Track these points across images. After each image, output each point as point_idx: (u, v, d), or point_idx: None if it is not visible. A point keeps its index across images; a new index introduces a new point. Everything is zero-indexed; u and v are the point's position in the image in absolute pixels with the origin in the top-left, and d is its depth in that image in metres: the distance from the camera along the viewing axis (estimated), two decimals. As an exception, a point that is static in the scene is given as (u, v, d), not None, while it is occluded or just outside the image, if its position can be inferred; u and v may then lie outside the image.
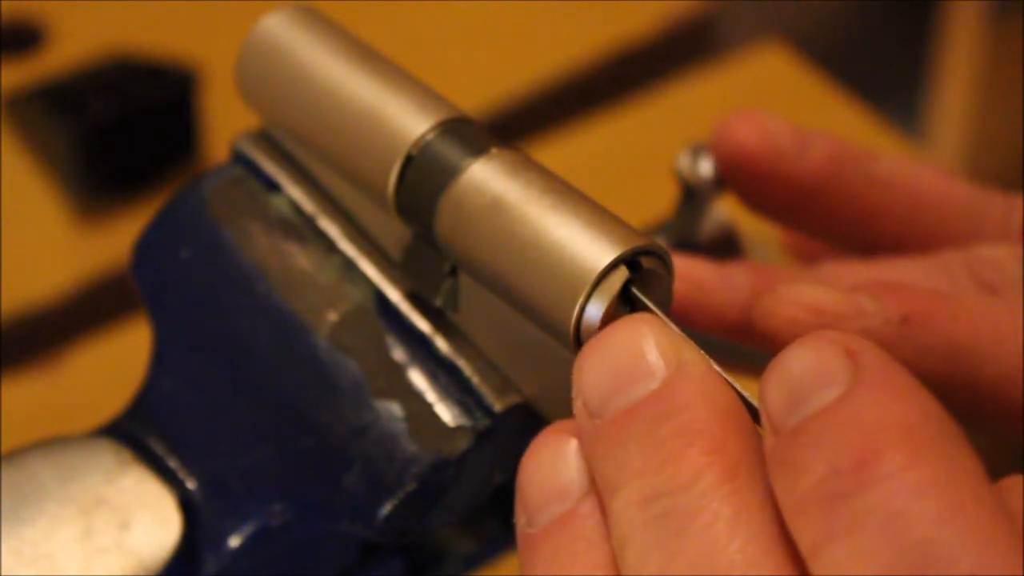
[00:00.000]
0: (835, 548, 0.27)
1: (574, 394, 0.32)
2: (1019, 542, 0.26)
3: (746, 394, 0.31)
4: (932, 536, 0.26)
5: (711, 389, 0.31)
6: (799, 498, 0.28)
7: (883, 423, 0.27)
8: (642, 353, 0.31)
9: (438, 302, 0.38)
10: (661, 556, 0.29)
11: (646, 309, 0.33)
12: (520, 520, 0.33)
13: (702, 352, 0.32)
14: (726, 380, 0.31)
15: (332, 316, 0.39)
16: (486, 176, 0.35)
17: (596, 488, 0.32)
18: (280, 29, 0.40)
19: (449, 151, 0.36)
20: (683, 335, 0.32)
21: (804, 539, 0.28)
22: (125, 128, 0.78)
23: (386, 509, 0.37)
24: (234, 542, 0.38)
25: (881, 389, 0.28)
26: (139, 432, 0.40)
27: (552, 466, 0.32)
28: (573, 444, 0.32)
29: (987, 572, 0.26)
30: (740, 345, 0.43)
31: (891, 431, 0.27)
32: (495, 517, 0.42)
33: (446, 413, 0.37)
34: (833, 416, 0.28)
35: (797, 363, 0.29)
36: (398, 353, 0.38)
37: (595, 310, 0.33)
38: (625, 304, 0.33)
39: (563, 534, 0.32)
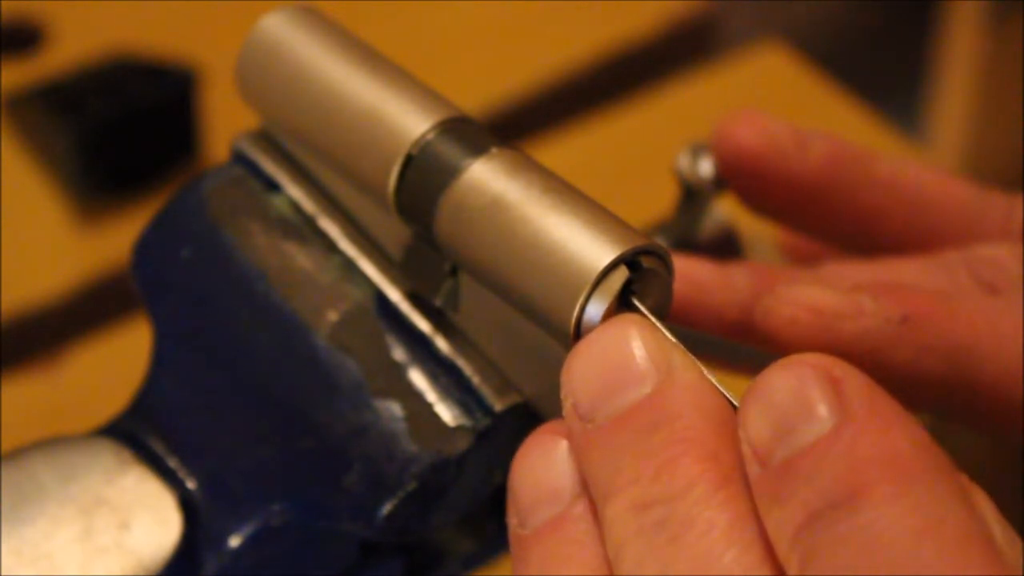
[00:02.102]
0: (817, 565, 0.27)
1: (563, 395, 0.32)
2: (994, 560, 0.27)
3: (737, 402, 0.31)
4: (911, 550, 0.27)
5: (702, 396, 0.31)
6: (793, 534, 0.28)
7: (873, 457, 0.28)
8: (632, 357, 0.31)
9: (438, 302, 0.38)
10: (657, 564, 0.29)
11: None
12: (512, 521, 0.33)
13: (692, 357, 0.32)
14: (716, 387, 0.31)
15: (332, 316, 0.39)
16: (486, 176, 0.35)
17: (588, 491, 0.32)
18: (280, 29, 0.40)
19: (449, 151, 0.36)
20: (672, 338, 0.32)
21: (793, 568, 0.28)
22: (125, 128, 0.78)
23: (386, 509, 0.37)
24: (234, 542, 0.38)
25: (869, 422, 0.28)
26: (139, 432, 0.40)
27: (543, 468, 0.32)
28: (564, 445, 0.32)
29: None
30: (740, 345, 0.43)
31: (881, 465, 0.28)
32: (495, 517, 0.42)
33: (446, 413, 0.37)
34: (824, 452, 0.28)
35: (780, 392, 0.29)
36: (398, 353, 0.38)
37: (595, 310, 0.33)
38: (625, 305, 0.33)
39: (555, 536, 0.32)
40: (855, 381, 0.29)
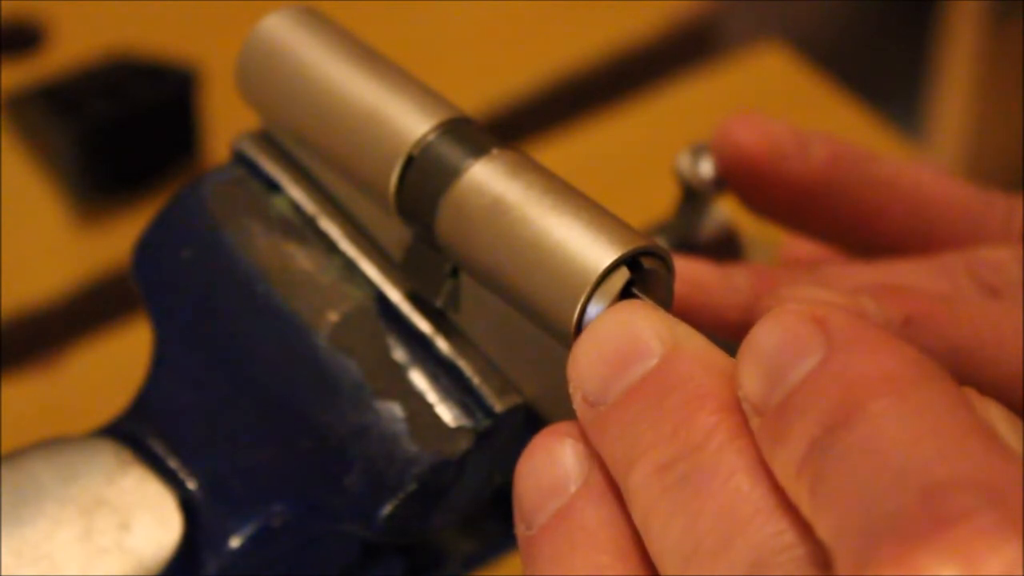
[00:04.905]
0: (823, 489, 0.27)
1: (571, 389, 0.32)
2: (996, 449, 0.27)
3: None
4: (910, 453, 0.27)
5: (710, 358, 0.31)
6: (797, 468, 0.28)
7: (864, 378, 0.28)
8: (636, 336, 0.31)
9: (439, 303, 0.38)
10: (685, 518, 0.29)
11: None
12: (520, 528, 0.32)
13: (695, 330, 0.32)
14: (723, 351, 0.31)
15: (333, 316, 0.39)
16: (487, 177, 0.35)
17: (591, 479, 0.32)
18: (281, 29, 0.40)
19: (450, 152, 0.36)
20: (674, 317, 0.32)
21: (804, 501, 0.28)
22: (125, 128, 0.78)
23: (387, 509, 0.37)
24: (234, 542, 0.38)
25: (855, 347, 0.28)
26: (139, 432, 0.40)
27: (545, 466, 0.32)
28: (565, 442, 0.32)
29: (960, 473, 0.26)
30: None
31: (873, 383, 0.28)
32: (495, 517, 0.42)
33: (447, 414, 0.37)
34: (815, 383, 0.28)
35: (766, 343, 0.29)
36: (399, 354, 0.38)
37: (596, 311, 0.33)
38: (625, 305, 0.33)
39: (562, 527, 0.32)
40: (838, 316, 0.29)
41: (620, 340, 0.31)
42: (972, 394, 0.29)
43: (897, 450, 0.27)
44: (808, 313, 0.29)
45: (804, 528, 0.28)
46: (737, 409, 0.30)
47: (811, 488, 0.27)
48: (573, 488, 0.32)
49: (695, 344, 0.31)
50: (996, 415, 0.29)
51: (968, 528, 0.25)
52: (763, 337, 0.29)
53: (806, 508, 0.28)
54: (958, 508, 0.25)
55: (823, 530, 0.27)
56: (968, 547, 0.25)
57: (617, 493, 0.31)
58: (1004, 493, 0.26)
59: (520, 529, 0.32)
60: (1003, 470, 0.26)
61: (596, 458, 0.32)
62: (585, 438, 0.32)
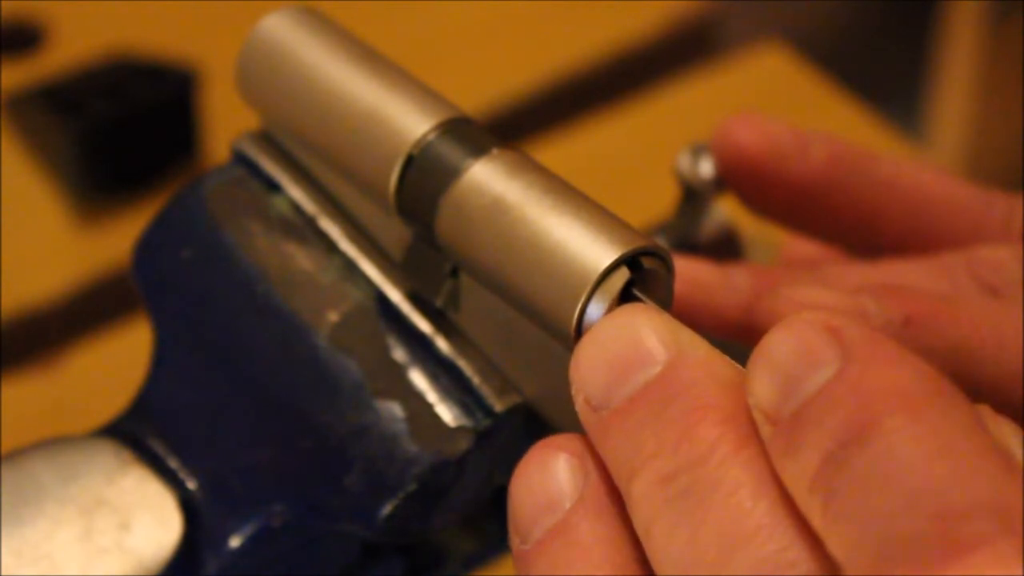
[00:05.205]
0: (836, 505, 0.27)
1: (574, 391, 0.32)
2: (1010, 471, 0.27)
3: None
4: (925, 473, 0.26)
5: (715, 366, 0.31)
6: (810, 481, 0.28)
7: (879, 392, 0.28)
8: (640, 341, 0.31)
9: (439, 302, 0.38)
10: (688, 530, 0.29)
11: None
12: (514, 541, 0.32)
13: (699, 336, 0.32)
14: (728, 359, 0.31)
15: (333, 316, 0.39)
16: (487, 177, 0.35)
17: (587, 495, 0.32)
18: (281, 29, 0.40)
19: (450, 151, 0.36)
20: (678, 321, 0.32)
21: (815, 515, 0.28)
22: (125, 128, 0.78)
23: (387, 509, 0.37)
24: (234, 542, 0.38)
25: (871, 360, 0.28)
26: (139, 432, 0.40)
27: (540, 480, 0.32)
28: (560, 457, 0.32)
29: (976, 498, 0.26)
30: (741, 345, 0.43)
31: (888, 398, 0.27)
32: (495, 517, 0.42)
33: (447, 413, 0.37)
34: (830, 395, 0.28)
35: (781, 351, 0.29)
36: (399, 353, 0.38)
37: (596, 311, 0.33)
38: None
39: (557, 544, 0.31)
40: (853, 327, 0.29)
41: (623, 345, 0.31)
42: (986, 411, 0.29)
43: (911, 471, 0.27)
44: (823, 322, 0.29)
45: (809, 544, 0.28)
46: (741, 420, 0.30)
47: (824, 503, 0.27)
48: (568, 504, 0.32)
49: (699, 351, 0.31)
50: (1009, 433, 0.29)
51: (984, 556, 0.25)
52: (777, 345, 0.29)
53: (817, 522, 0.28)
54: (974, 534, 0.25)
55: (835, 546, 0.27)
56: (984, 574, 0.25)
57: (614, 509, 0.31)
58: (1019, 518, 0.26)
59: (515, 543, 0.32)
60: (1018, 493, 0.26)
61: (592, 473, 0.32)
62: (581, 452, 0.32)
